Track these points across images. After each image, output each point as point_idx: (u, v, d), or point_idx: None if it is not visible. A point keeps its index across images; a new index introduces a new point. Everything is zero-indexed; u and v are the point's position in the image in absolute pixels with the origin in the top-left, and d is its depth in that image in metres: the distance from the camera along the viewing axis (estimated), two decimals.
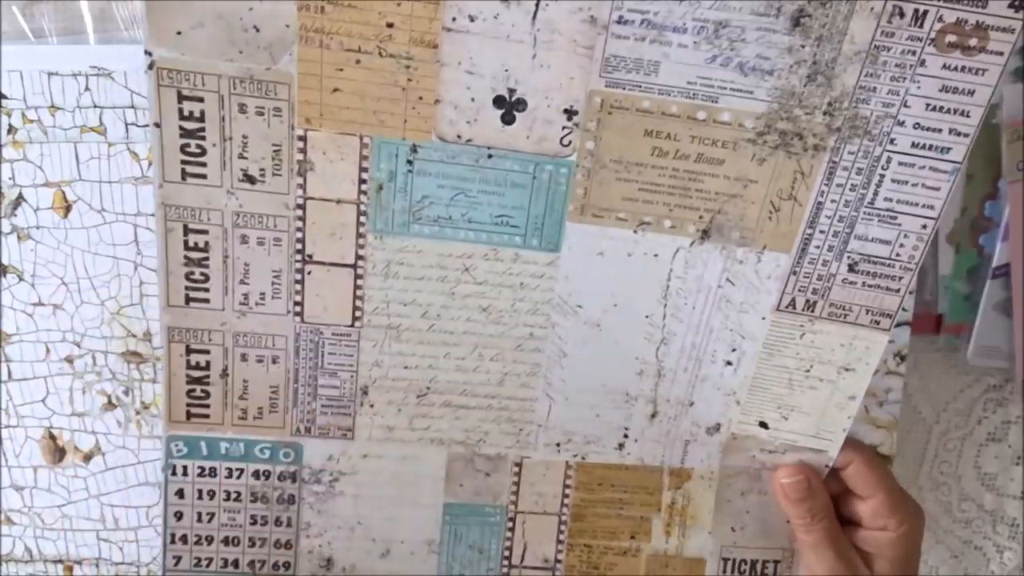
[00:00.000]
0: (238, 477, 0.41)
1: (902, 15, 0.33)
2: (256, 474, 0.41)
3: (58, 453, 0.52)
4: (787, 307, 0.39)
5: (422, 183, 0.36)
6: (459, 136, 0.35)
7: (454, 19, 0.33)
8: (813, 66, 0.34)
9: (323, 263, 0.37)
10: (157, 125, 0.35)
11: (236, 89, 0.34)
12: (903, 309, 0.52)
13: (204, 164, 0.36)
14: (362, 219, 0.36)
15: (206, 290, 0.38)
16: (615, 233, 0.37)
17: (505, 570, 0.42)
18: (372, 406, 0.40)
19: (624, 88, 0.34)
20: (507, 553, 0.42)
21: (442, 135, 0.35)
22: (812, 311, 0.38)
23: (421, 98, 0.34)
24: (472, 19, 0.33)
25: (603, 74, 0.34)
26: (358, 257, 0.37)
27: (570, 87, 0.34)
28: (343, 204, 0.36)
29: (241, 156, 0.36)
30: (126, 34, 0.46)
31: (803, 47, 0.34)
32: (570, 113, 0.35)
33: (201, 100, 0.35)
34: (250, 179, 0.36)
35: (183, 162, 0.36)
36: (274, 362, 0.39)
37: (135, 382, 0.50)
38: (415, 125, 0.34)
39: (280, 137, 0.35)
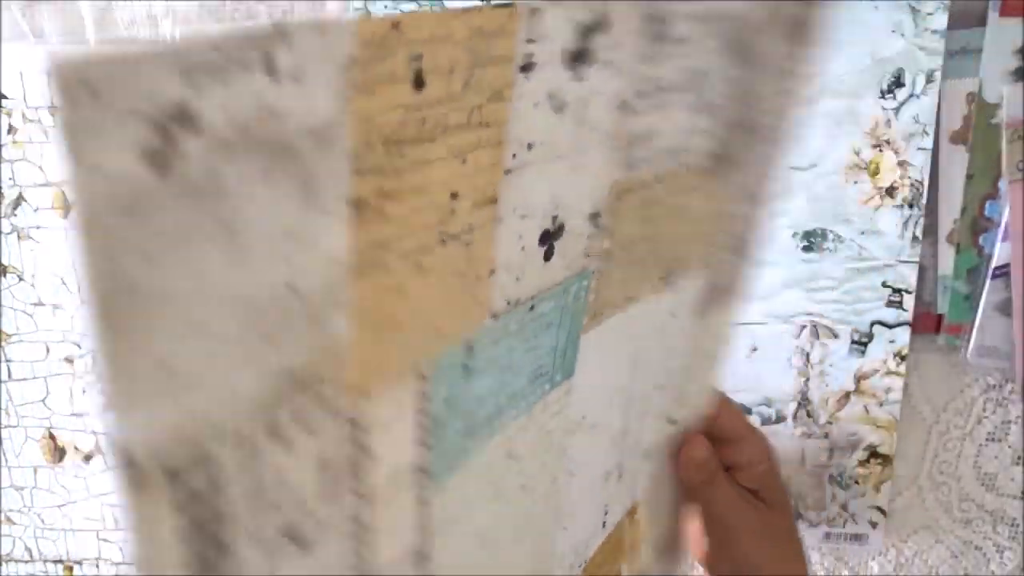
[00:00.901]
0: None
1: None
2: None
3: (58, 453, 0.52)
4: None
5: (478, 386, 0.26)
6: (508, 302, 0.25)
7: (515, 156, 0.23)
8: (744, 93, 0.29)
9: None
10: None
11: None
12: (904, 309, 0.53)
13: None
14: (423, 479, 0.25)
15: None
16: (610, 323, 0.31)
17: None
18: None
19: (638, 167, 0.28)
20: None
21: (495, 311, 0.25)
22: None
23: (479, 277, 0.24)
24: (530, 147, 0.24)
25: (624, 158, 0.27)
26: (421, 532, 0.25)
27: (596, 186, 0.27)
28: (400, 474, 0.24)
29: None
30: (126, 34, 0.46)
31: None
32: (595, 216, 0.27)
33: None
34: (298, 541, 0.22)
35: None
36: None
37: None
38: (468, 313, 0.24)
39: (329, 455, 0.22)
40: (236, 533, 0.19)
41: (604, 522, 0.38)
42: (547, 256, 0.26)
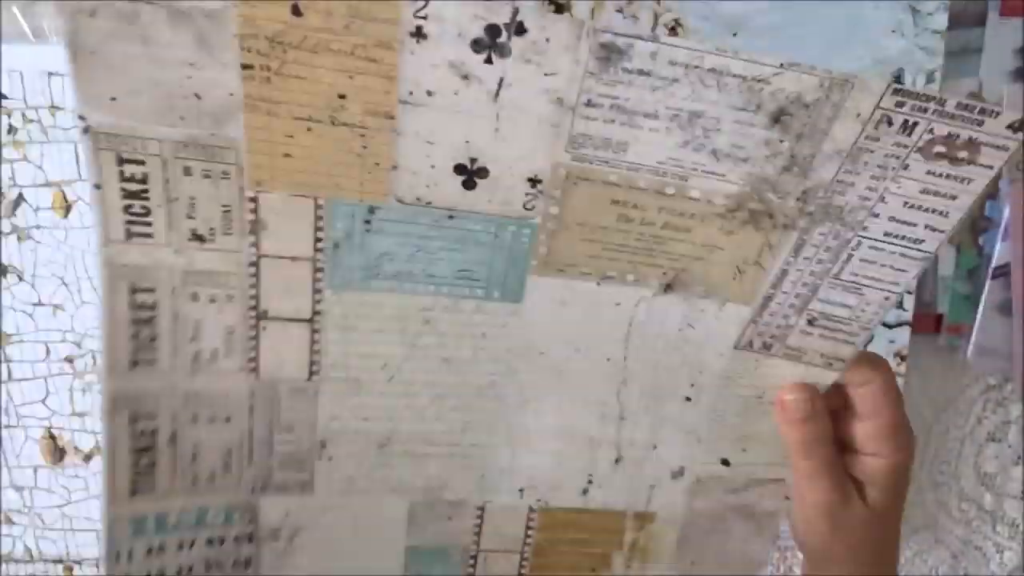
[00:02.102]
0: (190, 548, 0.39)
1: (890, 123, 0.31)
2: (210, 541, 0.39)
3: (58, 453, 0.52)
4: (744, 346, 0.38)
5: (380, 241, 0.35)
6: (418, 199, 0.34)
7: (411, 93, 0.32)
8: (791, 159, 0.33)
9: (279, 319, 0.36)
10: (97, 186, 0.33)
11: (180, 153, 0.33)
12: (904, 309, 0.52)
13: (149, 223, 0.34)
14: (318, 275, 0.36)
15: (153, 350, 0.36)
16: (578, 285, 0.37)
17: None
18: (331, 459, 0.39)
19: (591, 163, 0.33)
20: None
21: (401, 198, 0.34)
22: (768, 350, 0.38)
23: (378, 164, 0.33)
24: (430, 94, 0.32)
25: (569, 149, 0.33)
26: (315, 312, 0.36)
27: (534, 158, 0.33)
28: (299, 261, 0.35)
29: (189, 216, 0.34)
30: None
31: (781, 141, 0.32)
32: (534, 181, 0.34)
33: (143, 163, 0.33)
34: (199, 238, 0.35)
35: (127, 222, 0.34)
36: (227, 421, 0.37)
37: None
38: (372, 188, 0.34)
39: (230, 198, 0.34)
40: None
41: (585, 489, 0.40)
42: (468, 186, 0.34)
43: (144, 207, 0.34)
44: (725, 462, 0.40)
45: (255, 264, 0.35)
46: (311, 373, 0.37)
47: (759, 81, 0.31)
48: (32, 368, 0.51)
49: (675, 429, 0.40)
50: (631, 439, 0.40)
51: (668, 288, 0.37)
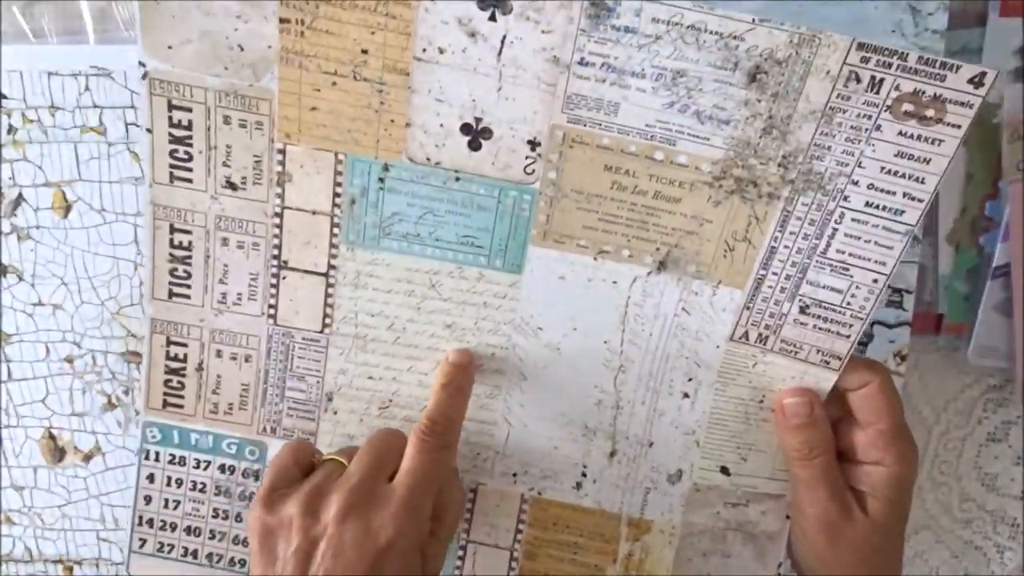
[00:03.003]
0: (205, 468, 0.43)
1: (858, 80, 0.33)
2: (222, 468, 0.43)
3: (58, 453, 0.52)
4: (740, 338, 0.39)
5: (392, 200, 0.38)
6: (428, 158, 0.37)
7: (424, 50, 0.35)
8: (768, 120, 0.35)
9: (297, 269, 0.39)
10: (149, 130, 0.37)
11: (221, 102, 0.37)
12: (904, 309, 0.52)
13: (191, 169, 0.38)
14: (335, 231, 0.39)
15: (188, 287, 0.40)
16: (575, 259, 0.38)
17: None
18: (336, 413, 0.41)
19: (585, 125, 0.36)
20: None
21: (412, 156, 0.37)
22: (764, 344, 0.38)
23: (393, 121, 0.36)
24: (441, 51, 0.35)
25: (565, 110, 0.36)
26: (330, 267, 0.39)
27: (534, 120, 0.36)
28: (318, 215, 0.38)
29: (225, 164, 0.37)
30: (126, 34, 0.46)
31: (759, 101, 0.34)
32: (533, 144, 0.37)
33: (189, 110, 0.37)
34: (232, 186, 0.38)
35: (171, 166, 0.38)
36: (247, 360, 0.41)
37: (135, 382, 0.50)
38: (387, 146, 0.37)
39: (261, 149, 0.37)
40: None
41: (579, 483, 0.41)
42: (473, 146, 0.37)
43: (187, 152, 0.37)
44: (725, 470, 0.40)
45: (279, 215, 0.38)
46: (324, 326, 0.40)
47: (734, 38, 0.33)
48: (32, 368, 0.51)
49: (672, 427, 0.40)
50: (627, 432, 0.40)
51: (662, 266, 0.38)
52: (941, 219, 0.51)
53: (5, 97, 0.47)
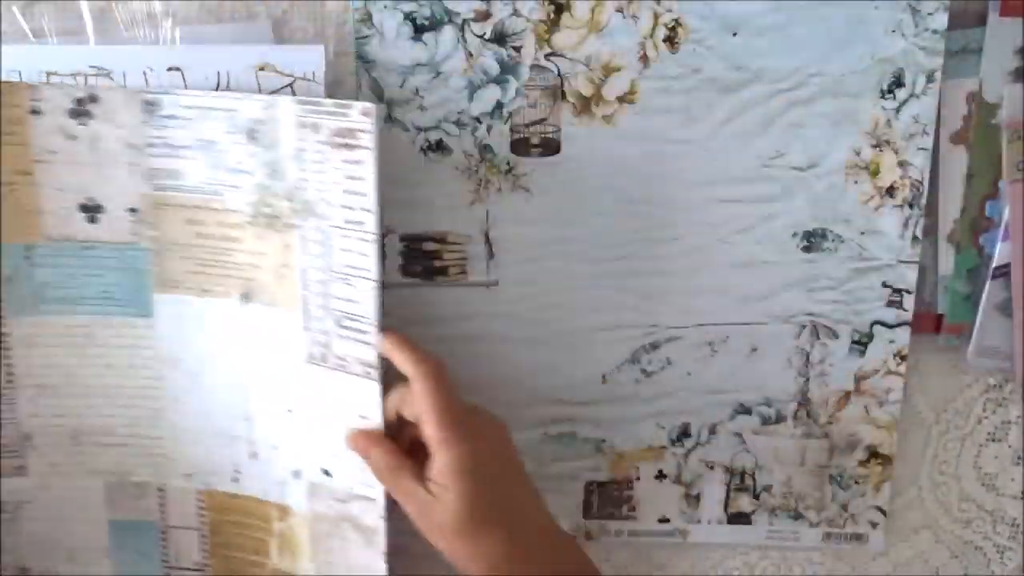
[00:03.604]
0: None
1: (316, 129, 0.42)
2: None
3: None
4: (314, 361, 0.46)
5: (41, 273, 0.47)
6: (61, 236, 0.46)
7: (38, 154, 0.45)
8: (269, 164, 0.44)
9: None
10: None
11: None
12: (904, 309, 0.53)
13: None
14: (2, 305, 0.47)
15: None
16: (189, 300, 0.47)
17: (166, 571, 0.52)
18: (36, 448, 0.50)
19: (165, 190, 0.46)
20: (165, 557, 0.52)
21: (49, 236, 0.47)
22: (325, 362, 0.46)
23: (28, 211, 0.46)
24: (52, 153, 0.45)
25: (148, 181, 0.46)
26: (2, 334, 0.48)
27: (129, 193, 0.46)
28: None
29: None
30: (126, 34, 0.46)
31: (259, 153, 0.44)
32: (133, 211, 0.46)
33: None
34: None
35: None
36: None
37: None
38: (27, 231, 0.46)
39: None
40: None
41: (235, 477, 0.50)
42: (91, 220, 0.46)
43: None
44: (327, 472, 0.47)
45: None
46: (7, 382, 0.48)
47: (231, 111, 0.44)
48: None
49: (288, 437, 0.48)
50: (262, 439, 0.49)
51: (246, 298, 0.47)
52: (941, 219, 0.51)
53: None
